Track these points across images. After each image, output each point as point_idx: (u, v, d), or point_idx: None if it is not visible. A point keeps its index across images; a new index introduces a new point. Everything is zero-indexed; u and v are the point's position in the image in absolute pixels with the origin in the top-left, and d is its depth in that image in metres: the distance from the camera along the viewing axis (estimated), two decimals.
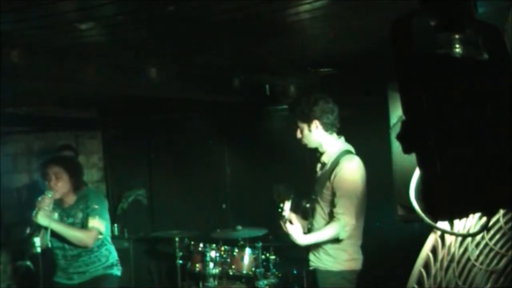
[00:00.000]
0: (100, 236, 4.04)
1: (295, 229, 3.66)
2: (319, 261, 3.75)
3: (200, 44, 3.57)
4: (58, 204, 4.10)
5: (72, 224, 4.03)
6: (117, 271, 4.27)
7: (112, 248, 4.28)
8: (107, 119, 6.60)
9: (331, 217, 3.68)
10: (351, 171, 3.66)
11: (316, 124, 3.72)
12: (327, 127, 3.73)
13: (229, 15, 2.84)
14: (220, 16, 2.85)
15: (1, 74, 3.18)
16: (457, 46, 1.46)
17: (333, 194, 3.65)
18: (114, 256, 4.27)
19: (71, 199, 4.10)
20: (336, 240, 3.67)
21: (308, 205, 3.86)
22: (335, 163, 3.69)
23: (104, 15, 2.75)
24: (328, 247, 3.72)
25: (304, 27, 3.29)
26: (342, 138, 3.81)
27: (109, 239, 4.26)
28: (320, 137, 3.76)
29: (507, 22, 2.42)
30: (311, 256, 3.80)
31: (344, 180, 3.63)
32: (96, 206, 4.02)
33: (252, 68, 4.64)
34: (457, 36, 1.46)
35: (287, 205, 3.77)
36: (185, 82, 4.61)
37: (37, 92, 4.73)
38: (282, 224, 3.71)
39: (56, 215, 4.07)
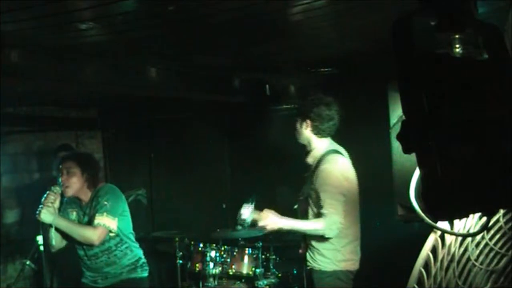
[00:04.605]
0: (112, 234, 3.89)
1: (267, 218, 3.68)
2: (314, 261, 3.77)
3: (200, 44, 3.57)
4: (77, 203, 4.05)
5: (88, 223, 3.96)
6: (141, 272, 4.10)
7: (134, 245, 4.10)
8: (107, 119, 6.60)
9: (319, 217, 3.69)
10: (333, 170, 3.66)
11: (307, 124, 3.76)
12: (317, 131, 3.76)
13: (229, 15, 2.84)
14: (220, 16, 2.85)
15: (1, 74, 3.17)
16: (457, 46, 1.46)
17: (318, 194, 3.66)
18: (136, 254, 4.10)
19: (87, 197, 3.96)
20: (329, 241, 3.68)
21: (295, 207, 3.89)
22: (318, 163, 3.72)
23: (104, 15, 2.75)
24: (322, 247, 3.73)
25: (304, 27, 3.29)
26: (329, 139, 3.81)
27: (131, 237, 4.09)
28: (309, 136, 3.79)
29: (507, 22, 2.42)
30: (308, 256, 3.81)
31: (325, 180, 3.63)
32: (105, 203, 3.86)
33: (252, 68, 4.64)
34: (457, 36, 1.46)
35: (245, 211, 3.82)
36: (185, 82, 4.61)
37: (37, 92, 4.73)
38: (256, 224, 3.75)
39: (74, 214, 4.03)
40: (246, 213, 3.80)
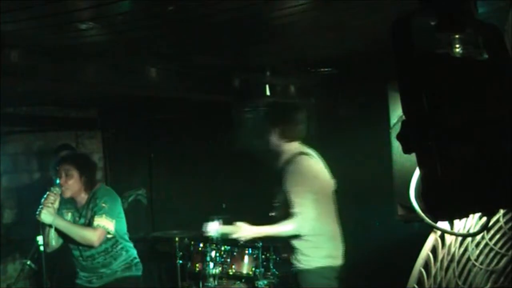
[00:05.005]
0: (110, 236, 3.93)
1: (240, 229, 3.81)
2: (298, 261, 3.83)
3: (200, 44, 3.57)
4: (73, 204, 4.05)
5: (86, 225, 3.97)
6: (136, 271, 4.16)
7: (129, 245, 4.16)
8: (107, 119, 6.60)
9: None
10: (299, 171, 3.76)
11: (275, 129, 3.86)
12: (285, 135, 3.86)
13: (229, 15, 2.84)
14: (220, 16, 2.85)
15: (1, 74, 3.17)
16: (457, 46, 1.46)
17: (288, 196, 3.74)
18: (131, 254, 4.16)
19: (83, 199, 4.00)
20: (308, 239, 3.76)
21: (273, 214, 3.96)
22: (285, 166, 3.82)
23: (104, 15, 2.75)
24: (303, 246, 3.81)
25: (303, 27, 3.29)
26: (298, 142, 3.90)
27: (126, 237, 4.15)
28: (277, 141, 3.89)
29: (507, 22, 2.42)
30: (292, 259, 3.89)
31: (292, 181, 3.73)
32: (103, 205, 3.91)
33: (252, 68, 4.64)
34: (457, 36, 1.46)
35: (212, 225, 4.02)
36: (185, 82, 4.61)
37: (37, 92, 4.73)
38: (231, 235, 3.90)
39: (70, 215, 4.03)
40: (213, 227, 4.02)
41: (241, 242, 4.14)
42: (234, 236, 3.85)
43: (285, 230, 3.73)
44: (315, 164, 3.86)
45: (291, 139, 3.85)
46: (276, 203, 3.89)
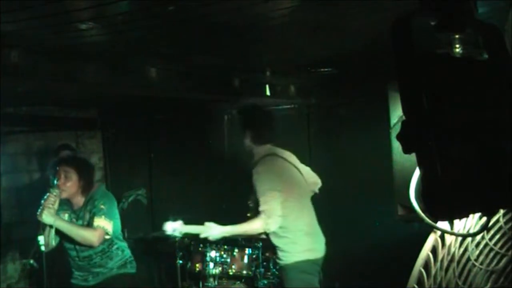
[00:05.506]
0: (108, 236, 3.98)
1: (209, 228, 3.96)
2: (279, 259, 3.95)
3: (200, 44, 3.57)
4: (69, 205, 4.08)
5: (84, 226, 3.99)
6: (131, 269, 4.24)
7: (124, 245, 4.24)
8: (107, 119, 6.60)
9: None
10: (265, 170, 3.91)
11: (247, 133, 4.04)
12: (256, 139, 4.03)
13: (229, 15, 2.84)
14: (220, 16, 2.85)
15: (1, 74, 3.17)
16: (457, 46, 1.46)
17: (257, 195, 3.88)
18: (127, 253, 4.23)
19: (80, 201, 4.05)
20: (284, 235, 3.87)
21: (248, 214, 4.04)
22: (254, 167, 3.97)
23: (104, 15, 2.75)
24: (281, 243, 3.92)
25: (304, 27, 3.29)
26: (269, 145, 4.06)
27: (121, 238, 4.22)
28: (249, 144, 4.06)
29: (507, 22, 2.42)
30: (275, 257, 3.98)
31: (258, 180, 3.88)
32: (102, 206, 3.96)
33: (251, 68, 4.64)
34: (457, 36, 1.46)
35: (172, 224, 4.14)
36: (185, 82, 4.61)
37: (37, 92, 4.73)
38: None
39: (66, 217, 4.05)
40: (172, 227, 4.14)
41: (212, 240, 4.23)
42: (203, 235, 3.99)
43: (253, 228, 3.86)
44: (283, 165, 4.00)
45: (262, 142, 3.99)
46: (250, 203, 3.97)
